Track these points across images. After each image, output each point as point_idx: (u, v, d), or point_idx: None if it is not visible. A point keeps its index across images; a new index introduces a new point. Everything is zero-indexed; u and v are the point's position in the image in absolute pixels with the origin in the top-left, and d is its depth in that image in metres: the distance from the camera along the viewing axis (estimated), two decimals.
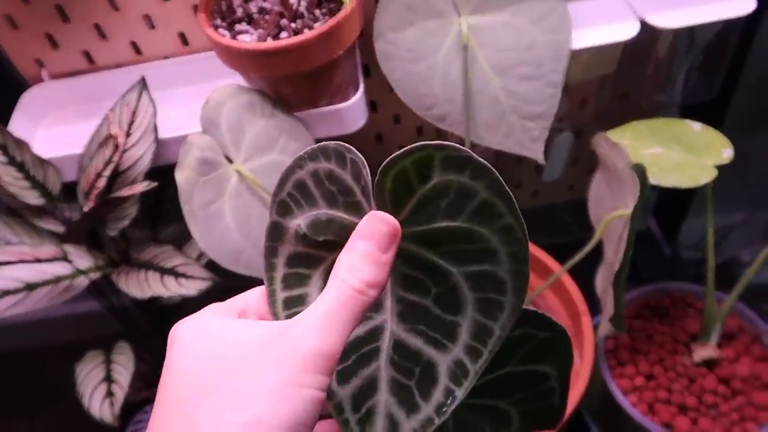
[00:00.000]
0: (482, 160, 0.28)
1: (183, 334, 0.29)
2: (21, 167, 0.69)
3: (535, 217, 0.85)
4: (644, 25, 0.70)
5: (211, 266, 0.68)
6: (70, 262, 0.70)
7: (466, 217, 0.28)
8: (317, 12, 0.67)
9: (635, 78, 0.85)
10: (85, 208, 0.68)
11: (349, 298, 0.28)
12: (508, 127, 0.68)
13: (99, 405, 0.71)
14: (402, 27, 0.68)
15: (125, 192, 0.66)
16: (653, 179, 0.66)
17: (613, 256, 0.63)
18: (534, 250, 0.89)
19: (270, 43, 0.62)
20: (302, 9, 0.67)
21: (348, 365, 0.31)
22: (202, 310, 0.31)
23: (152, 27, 0.78)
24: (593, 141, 0.68)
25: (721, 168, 0.69)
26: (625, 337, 0.86)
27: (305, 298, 0.32)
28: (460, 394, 0.29)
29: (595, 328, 0.80)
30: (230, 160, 0.65)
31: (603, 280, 0.72)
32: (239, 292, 0.33)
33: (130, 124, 0.69)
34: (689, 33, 0.78)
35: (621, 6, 0.73)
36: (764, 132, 0.97)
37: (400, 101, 0.69)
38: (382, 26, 0.68)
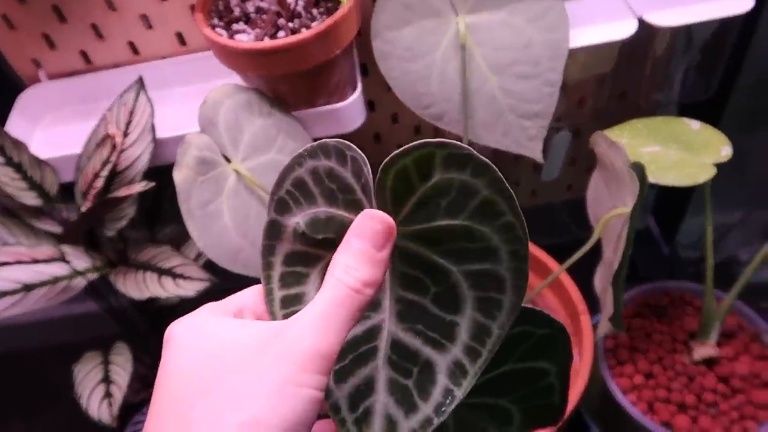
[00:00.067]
0: (483, 158, 0.27)
1: (179, 333, 0.29)
2: (18, 168, 0.69)
3: (534, 216, 0.85)
4: (642, 23, 0.70)
5: (210, 266, 0.68)
6: (67, 262, 0.70)
7: (466, 215, 0.28)
8: (314, 11, 0.67)
9: (633, 77, 0.85)
10: (83, 209, 0.68)
11: (346, 298, 0.28)
12: (505, 126, 0.68)
13: (97, 406, 0.71)
14: (399, 26, 0.68)
15: (123, 192, 0.66)
16: (652, 178, 0.66)
17: (612, 255, 0.63)
18: (533, 249, 0.88)
19: (267, 43, 0.62)
20: (299, 8, 0.67)
21: (345, 365, 0.31)
22: (197, 309, 0.30)
23: (149, 27, 0.77)
24: (591, 140, 0.68)
25: (719, 167, 0.69)
26: (625, 336, 0.86)
27: (303, 296, 0.32)
28: (460, 393, 0.29)
29: (595, 327, 0.80)
30: (228, 160, 0.65)
31: (602, 279, 0.72)
32: (237, 292, 0.33)
33: (128, 124, 0.69)
34: (687, 31, 0.78)
35: (619, 4, 0.73)
36: (762, 131, 0.97)
37: (398, 100, 0.69)
38: (379, 25, 0.68)
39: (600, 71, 0.79)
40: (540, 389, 0.37)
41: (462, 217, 0.28)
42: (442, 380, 0.29)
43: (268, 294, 0.32)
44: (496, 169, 0.27)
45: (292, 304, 0.32)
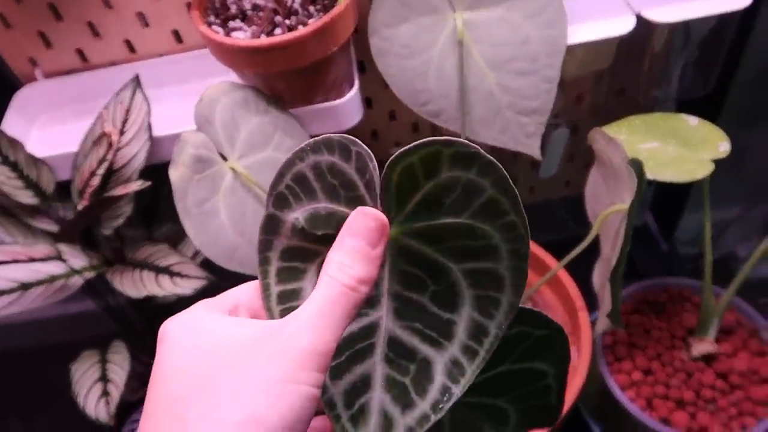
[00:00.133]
0: (490, 157, 0.27)
1: (173, 331, 0.28)
2: (14, 167, 0.68)
3: (532, 213, 0.85)
4: (640, 19, 0.70)
5: (207, 264, 0.68)
6: (64, 261, 0.70)
7: (470, 213, 0.28)
8: (311, 8, 0.66)
9: (631, 73, 0.85)
10: (80, 207, 0.68)
11: (341, 295, 0.27)
12: (503, 123, 0.68)
13: (94, 405, 0.71)
14: (397, 23, 0.68)
15: (119, 191, 0.66)
16: (650, 174, 0.66)
17: (610, 252, 0.63)
18: (531, 246, 0.88)
19: (264, 40, 0.62)
20: (296, 5, 0.66)
21: (341, 361, 0.31)
22: (192, 306, 0.30)
23: (146, 25, 0.77)
24: (589, 136, 0.68)
25: (717, 164, 0.69)
26: (623, 333, 0.86)
27: (300, 292, 0.32)
28: (458, 391, 0.29)
29: (593, 323, 0.80)
30: (224, 158, 0.65)
31: (600, 276, 0.72)
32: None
33: (124, 122, 0.69)
34: (685, 28, 0.78)
35: (616, 1, 0.72)
36: (760, 126, 0.96)
37: (395, 98, 0.69)
38: (376, 22, 0.68)
39: (598, 68, 0.79)
40: (537, 390, 0.37)
41: (465, 215, 0.28)
42: (439, 378, 0.29)
43: (265, 289, 0.32)
44: (502, 168, 0.27)
45: (289, 300, 0.32)
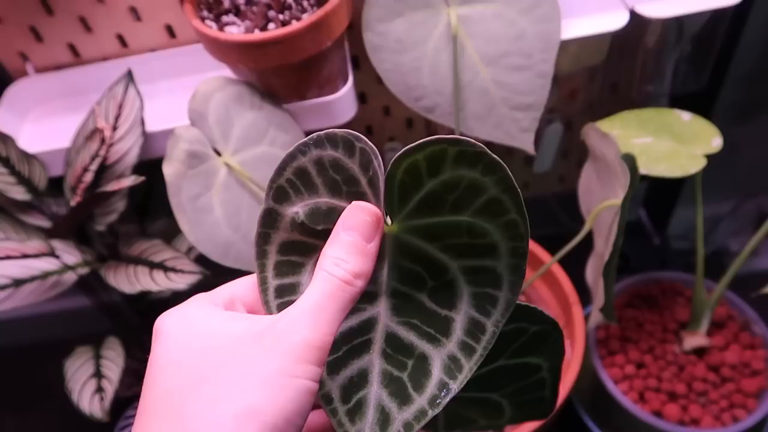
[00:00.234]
0: (496, 156, 0.27)
1: (169, 325, 0.28)
2: (6, 162, 0.68)
3: (526, 208, 0.85)
4: (633, 15, 0.70)
5: (201, 260, 0.68)
6: (57, 257, 0.70)
7: (472, 212, 0.29)
8: (305, 3, 0.66)
9: (624, 69, 0.85)
10: (72, 203, 0.67)
11: (337, 290, 0.28)
12: (497, 118, 0.68)
13: (89, 401, 0.71)
14: (390, 18, 0.68)
15: (112, 186, 0.65)
16: (643, 169, 0.66)
17: (603, 246, 0.63)
18: None
19: (258, 35, 0.62)
20: (290, 0, 0.66)
21: (339, 356, 0.31)
22: (187, 300, 0.30)
23: (138, 19, 0.77)
24: (583, 131, 0.68)
25: (710, 158, 0.69)
26: (616, 327, 0.87)
27: (297, 286, 0.32)
28: (455, 387, 0.29)
29: (586, 318, 0.80)
30: (218, 153, 0.65)
31: (593, 271, 0.72)
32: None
33: (117, 117, 0.69)
34: (678, 23, 0.78)
35: None
36: (753, 122, 0.97)
37: (389, 93, 0.69)
38: (370, 17, 0.68)
39: (592, 63, 0.79)
40: (532, 384, 0.37)
41: (467, 213, 0.29)
42: (437, 374, 0.29)
43: (263, 283, 0.32)
44: (506, 168, 0.28)
45: (286, 294, 0.32)
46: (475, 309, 0.29)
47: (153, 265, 0.70)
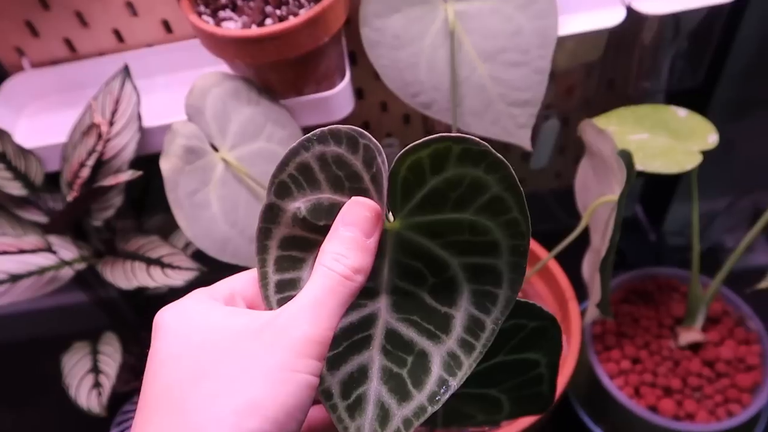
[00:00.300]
0: (499, 155, 0.28)
1: (168, 320, 0.28)
2: (2, 158, 0.68)
3: None
4: (630, 11, 0.70)
5: (198, 256, 0.68)
6: (54, 252, 0.69)
7: (474, 209, 0.29)
8: None
9: (621, 65, 0.86)
10: (69, 199, 0.67)
11: (337, 284, 0.28)
12: (494, 114, 0.68)
13: (86, 396, 0.71)
14: (388, 13, 0.67)
15: (109, 182, 0.65)
16: (639, 165, 0.67)
17: (600, 242, 0.63)
18: None
19: (255, 30, 0.61)
20: None
21: (339, 352, 0.31)
22: (187, 295, 0.30)
23: (135, 14, 0.76)
24: (579, 128, 0.68)
25: (706, 154, 0.69)
26: (612, 322, 0.87)
27: (298, 282, 0.32)
28: (455, 383, 0.29)
29: (582, 313, 0.81)
30: (216, 149, 0.65)
31: (590, 266, 0.72)
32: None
33: (114, 112, 0.68)
34: (675, 20, 0.78)
35: None
36: (749, 118, 0.97)
37: (387, 89, 0.69)
38: (368, 13, 0.67)
39: (588, 59, 0.79)
40: (530, 379, 0.37)
41: (469, 211, 0.29)
42: (436, 371, 0.29)
43: (263, 278, 0.32)
44: (510, 167, 0.28)
45: (287, 289, 0.32)
46: (474, 306, 0.29)
47: (150, 261, 0.70)
